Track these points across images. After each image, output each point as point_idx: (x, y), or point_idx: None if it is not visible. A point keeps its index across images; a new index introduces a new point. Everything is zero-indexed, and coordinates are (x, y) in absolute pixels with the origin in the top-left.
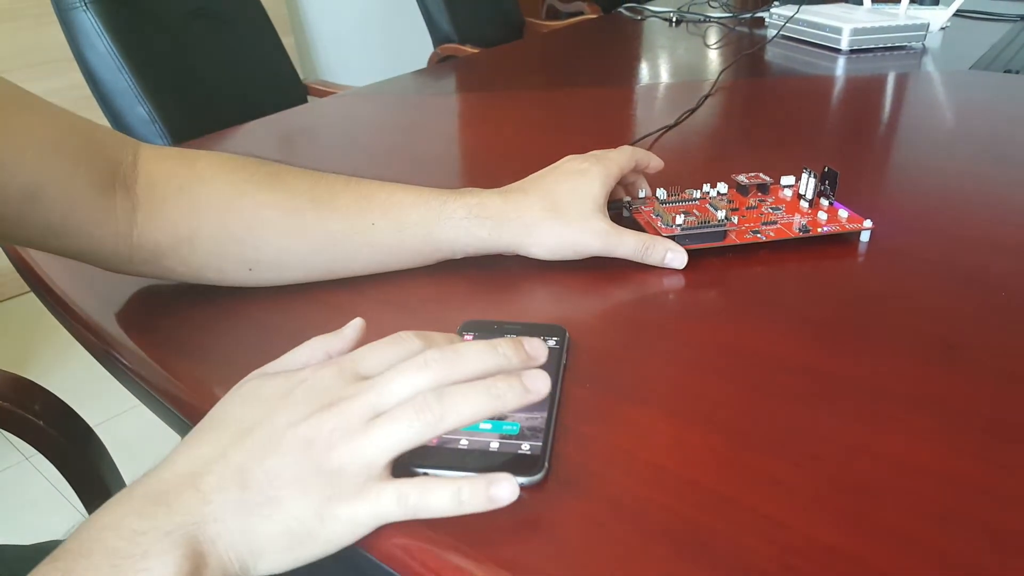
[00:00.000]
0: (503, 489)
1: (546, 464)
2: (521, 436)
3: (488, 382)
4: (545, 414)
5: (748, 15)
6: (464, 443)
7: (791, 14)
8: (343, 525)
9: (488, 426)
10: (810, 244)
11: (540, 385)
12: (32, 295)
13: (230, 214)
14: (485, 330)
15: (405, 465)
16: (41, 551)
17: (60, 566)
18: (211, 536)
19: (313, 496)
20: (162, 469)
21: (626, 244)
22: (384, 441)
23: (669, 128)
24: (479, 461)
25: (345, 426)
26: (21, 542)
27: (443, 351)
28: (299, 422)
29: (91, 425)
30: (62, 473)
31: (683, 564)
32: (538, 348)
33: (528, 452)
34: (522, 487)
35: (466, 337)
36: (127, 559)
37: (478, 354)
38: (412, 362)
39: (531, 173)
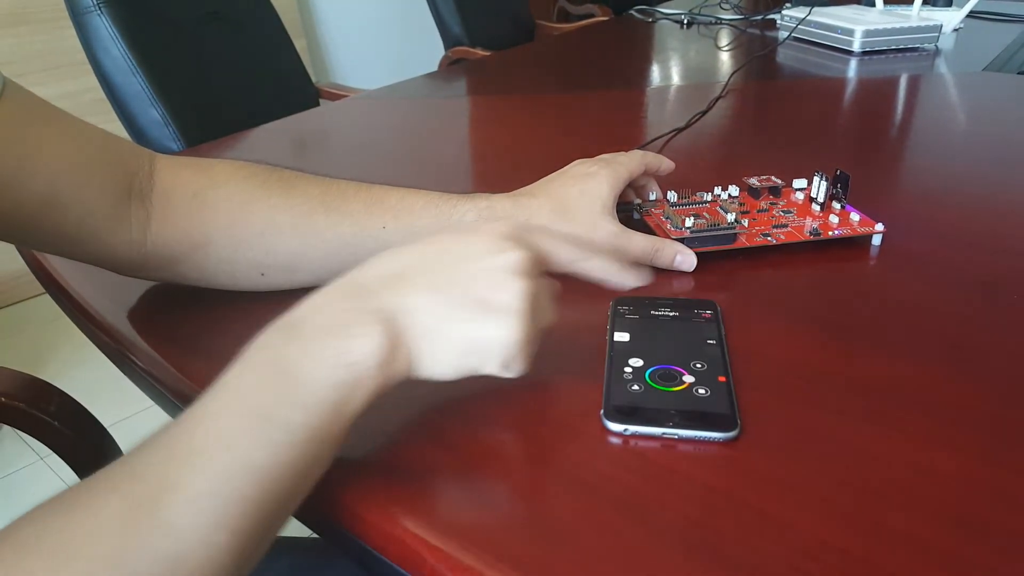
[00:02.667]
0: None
1: (738, 422)
2: (710, 397)
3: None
4: (725, 378)
5: (760, 17)
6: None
7: (803, 16)
8: (493, 344)
9: (681, 386)
10: (821, 248)
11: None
12: (48, 297)
13: (243, 219)
14: (638, 305)
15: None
16: None
17: (275, 340)
18: (406, 324)
19: (477, 313)
20: (362, 272)
21: (635, 246)
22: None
23: (680, 130)
24: (678, 419)
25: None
26: None
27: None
28: (466, 267)
29: (105, 425)
30: (76, 473)
31: (692, 565)
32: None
33: (719, 411)
34: (719, 442)
35: (620, 309)
36: (334, 331)
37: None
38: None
39: (542, 176)
